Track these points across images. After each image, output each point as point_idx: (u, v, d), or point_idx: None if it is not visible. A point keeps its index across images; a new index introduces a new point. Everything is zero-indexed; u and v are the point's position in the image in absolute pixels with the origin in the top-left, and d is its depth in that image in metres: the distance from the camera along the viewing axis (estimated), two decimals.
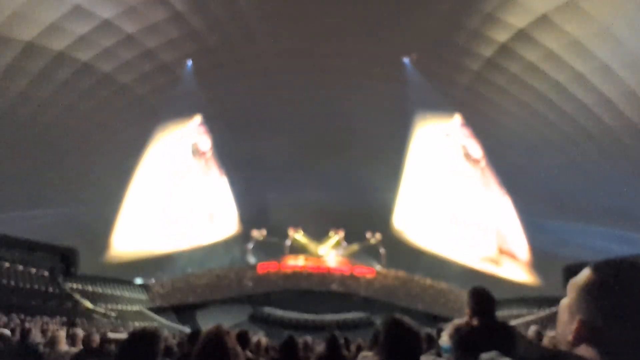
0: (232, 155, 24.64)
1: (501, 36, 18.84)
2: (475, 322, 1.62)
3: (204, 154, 24.90)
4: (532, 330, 3.47)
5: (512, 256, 21.94)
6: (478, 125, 22.73)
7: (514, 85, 20.80)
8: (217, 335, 1.38)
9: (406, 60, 21.95)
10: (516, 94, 21.15)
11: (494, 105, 22.28)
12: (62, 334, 3.60)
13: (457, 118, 23.01)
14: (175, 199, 24.18)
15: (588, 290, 0.67)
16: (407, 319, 1.39)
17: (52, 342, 3.45)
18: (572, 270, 17.33)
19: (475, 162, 23.00)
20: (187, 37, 20.59)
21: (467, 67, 21.11)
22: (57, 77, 19.39)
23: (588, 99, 19.21)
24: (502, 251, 22.10)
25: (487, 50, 19.83)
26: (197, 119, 24.55)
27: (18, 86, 18.58)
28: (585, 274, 0.69)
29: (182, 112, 23.38)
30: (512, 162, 22.37)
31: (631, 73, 17.28)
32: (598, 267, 0.68)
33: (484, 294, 1.69)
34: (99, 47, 19.33)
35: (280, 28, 20.49)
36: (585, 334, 0.65)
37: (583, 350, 0.65)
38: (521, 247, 21.98)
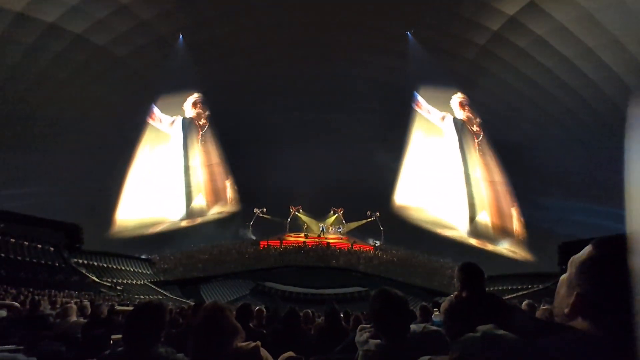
0: (233, 132, 24.42)
1: (510, 9, 18.14)
2: (464, 294, 1.68)
3: (203, 130, 24.70)
4: (525, 304, 3.57)
5: (509, 233, 22.24)
6: (480, 101, 22.37)
7: (518, 60, 20.25)
8: (214, 312, 1.42)
9: (409, 34, 21.30)
10: (521, 69, 20.64)
11: (496, 80, 21.80)
12: (73, 305, 3.72)
13: (459, 93, 22.63)
14: (176, 176, 24.23)
15: (587, 265, 0.68)
16: (394, 290, 1.44)
17: (63, 314, 3.57)
18: (567, 248, 17.54)
19: (475, 138, 22.86)
20: (182, 10, 19.85)
21: (471, 41, 20.48)
22: (50, 50, 18.86)
23: (594, 74, 18.74)
24: (499, 228, 22.38)
25: (494, 24, 19.17)
26: (197, 94, 24.17)
27: (10, 59, 18.09)
28: (586, 250, 0.70)
29: (177, 86, 22.97)
30: (511, 139, 22.19)
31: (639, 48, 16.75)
32: (598, 244, 0.69)
33: (472, 268, 1.74)
34: (92, 19, 18.69)
35: (281, 1, 19.70)
36: (582, 307, 0.66)
37: (578, 322, 0.67)
38: (518, 224, 22.23)
